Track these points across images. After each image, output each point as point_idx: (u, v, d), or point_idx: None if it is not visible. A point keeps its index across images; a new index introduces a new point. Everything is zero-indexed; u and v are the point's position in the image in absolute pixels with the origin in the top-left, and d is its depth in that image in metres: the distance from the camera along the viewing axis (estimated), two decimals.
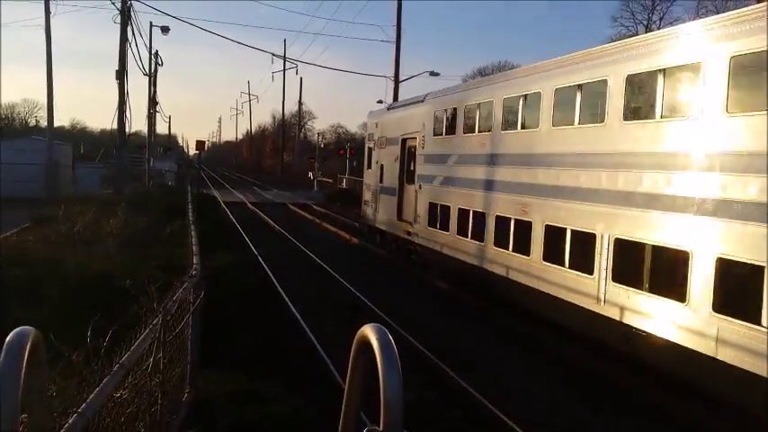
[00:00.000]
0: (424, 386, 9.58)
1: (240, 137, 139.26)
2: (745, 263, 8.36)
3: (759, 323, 8.01)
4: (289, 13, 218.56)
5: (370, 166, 25.23)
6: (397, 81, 44.97)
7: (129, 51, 34.03)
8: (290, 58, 72.49)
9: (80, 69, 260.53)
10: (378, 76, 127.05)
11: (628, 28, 64.74)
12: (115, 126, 34.70)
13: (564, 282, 12.27)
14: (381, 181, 23.42)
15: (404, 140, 21.29)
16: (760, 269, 8.04)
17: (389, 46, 44.20)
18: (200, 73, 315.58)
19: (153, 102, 51.08)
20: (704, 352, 8.82)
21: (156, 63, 50.12)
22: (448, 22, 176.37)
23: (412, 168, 20.49)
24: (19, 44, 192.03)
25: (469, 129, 16.95)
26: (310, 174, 62.61)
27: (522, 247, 13.70)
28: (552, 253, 12.70)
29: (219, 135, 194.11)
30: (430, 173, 19.19)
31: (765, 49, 8.20)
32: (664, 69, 10.20)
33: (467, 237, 16.41)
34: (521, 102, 14.48)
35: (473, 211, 16.19)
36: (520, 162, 14.47)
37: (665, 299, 9.65)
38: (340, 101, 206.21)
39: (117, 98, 34.41)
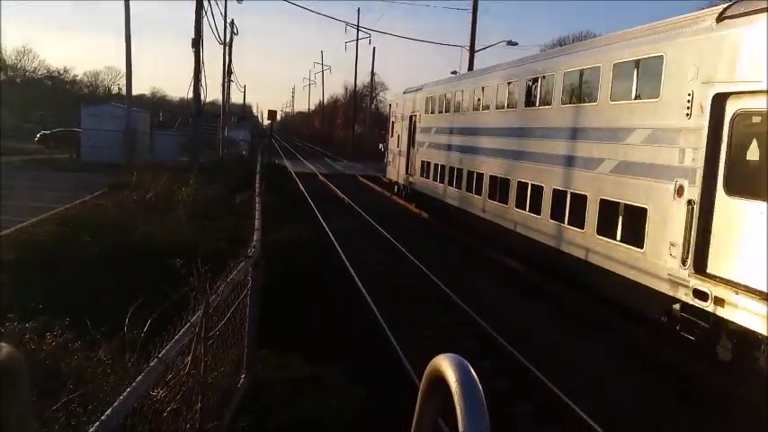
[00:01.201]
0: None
1: (312, 107, 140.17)
2: (620, 203, 11.95)
3: (615, 238, 11.97)
4: None
5: (392, 136, 33.15)
6: (472, 50, 43.70)
7: (205, 20, 34.22)
8: (363, 27, 71.95)
9: (162, 39, 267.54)
10: (453, 45, 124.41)
11: (711, 0, 60.73)
12: (191, 95, 35.14)
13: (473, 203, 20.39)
14: (398, 146, 31.21)
15: (411, 117, 28.78)
16: (616, 205, 12.05)
17: (466, 14, 42.88)
18: (275, 43, 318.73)
19: (228, 71, 51.61)
20: (588, 259, 12.84)
21: (232, 32, 50.52)
22: None
23: (414, 137, 28.11)
24: (103, 13, 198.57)
25: (440, 110, 24.82)
26: (381, 145, 62.16)
27: (458, 185, 21.81)
28: (474, 188, 20.30)
29: (293, 105, 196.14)
30: (422, 140, 26.93)
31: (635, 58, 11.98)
32: (583, 69, 14.02)
33: (437, 181, 24.45)
34: (463, 94, 22.29)
35: (440, 165, 24.19)
36: (463, 133, 21.84)
37: (576, 228, 13.52)
38: (413, 71, 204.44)
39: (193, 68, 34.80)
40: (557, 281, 14.50)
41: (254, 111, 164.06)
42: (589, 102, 13.57)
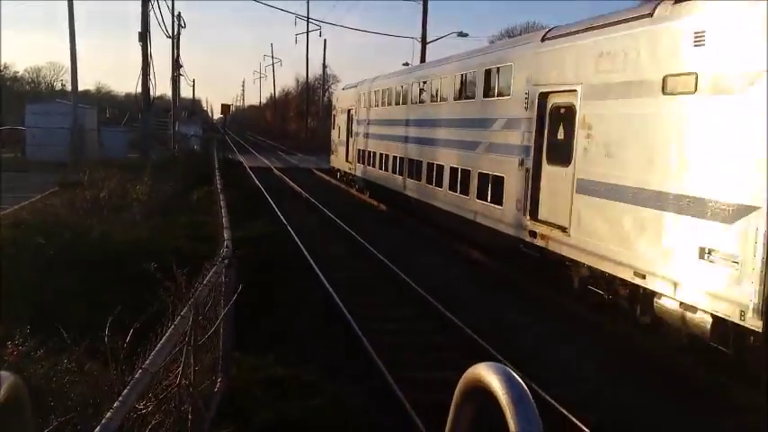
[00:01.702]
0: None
1: (264, 101, 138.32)
2: (489, 174, 15.55)
3: (487, 200, 15.61)
4: None
5: (334, 128, 36.33)
6: (424, 42, 43.77)
7: (152, 13, 33.35)
8: (313, 19, 71.25)
9: (106, 33, 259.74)
10: (404, 37, 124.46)
11: None
12: (140, 90, 34.17)
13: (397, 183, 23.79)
14: (339, 137, 34.37)
15: (348, 110, 32.13)
16: (487, 175, 15.59)
17: (417, 6, 42.89)
18: (224, 35, 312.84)
19: (177, 64, 50.48)
20: (472, 219, 16.48)
21: (179, 25, 49.39)
22: None
23: (352, 128, 31.28)
24: (44, 8, 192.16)
25: (371, 104, 28.18)
26: None
27: (386, 167, 25.03)
28: (411, 173, 22.13)
29: (243, 99, 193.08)
30: (358, 131, 30.14)
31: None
32: (467, 73, 17.68)
33: (371, 166, 27.68)
34: (385, 92, 25.92)
35: (372, 152, 27.50)
36: (384, 123, 25.80)
37: (463, 195, 17.14)
38: (365, 63, 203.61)
39: (141, 61, 33.82)
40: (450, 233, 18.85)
41: (204, 105, 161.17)
42: (471, 98, 17.17)
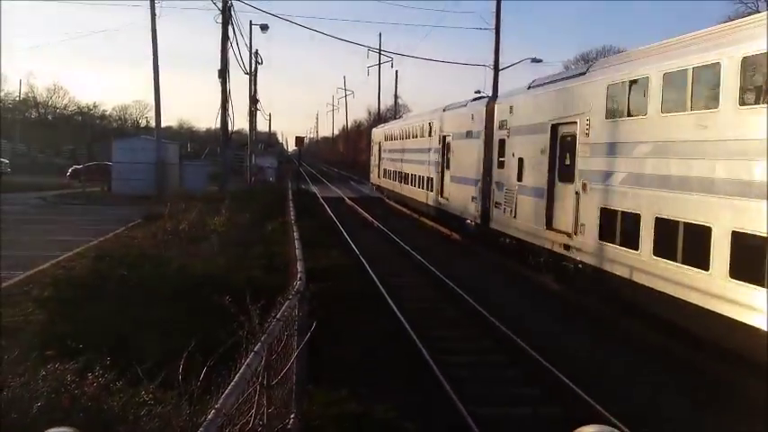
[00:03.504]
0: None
1: (336, 132, 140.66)
2: (425, 176, 31.07)
3: (423, 188, 31.56)
4: (385, 6, 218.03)
5: (372, 154, 50.60)
6: (496, 69, 43.29)
7: (231, 51, 34.49)
8: (385, 51, 72.21)
9: (186, 70, 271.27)
10: (476, 65, 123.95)
11: (747, 5, 59.96)
12: (219, 125, 35.33)
13: (417, 195, 33.33)
14: (374, 162, 48.44)
15: (379, 142, 46.06)
16: (424, 177, 31.59)
17: (488, 34, 42.60)
18: (298, 69, 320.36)
19: (254, 100, 52.04)
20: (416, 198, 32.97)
21: (257, 62, 51.00)
22: (550, 5, 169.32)
23: (380, 155, 45.24)
24: (129, 49, 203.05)
25: (392, 138, 41.59)
26: None
27: (402, 180, 36.70)
28: (403, 180, 36.53)
29: (317, 131, 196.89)
30: (387, 157, 43.16)
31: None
32: (421, 124, 34.22)
33: (397, 181, 38.66)
34: (406, 128, 37.90)
35: (400, 172, 37.76)
36: (396, 151, 39.38)
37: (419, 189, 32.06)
38: (437, 92, 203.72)
39: (220, 97, 35.01)
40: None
41: (279, 138, 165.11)
42: (418, 137, 32.08)
